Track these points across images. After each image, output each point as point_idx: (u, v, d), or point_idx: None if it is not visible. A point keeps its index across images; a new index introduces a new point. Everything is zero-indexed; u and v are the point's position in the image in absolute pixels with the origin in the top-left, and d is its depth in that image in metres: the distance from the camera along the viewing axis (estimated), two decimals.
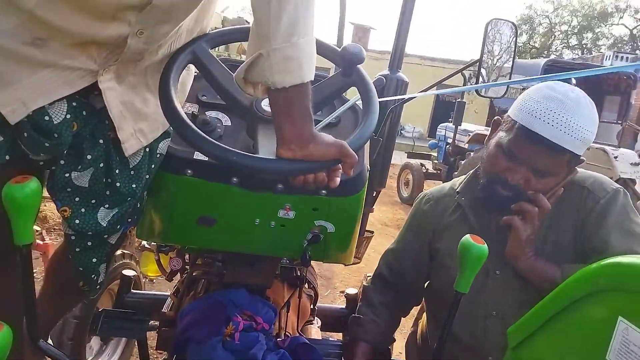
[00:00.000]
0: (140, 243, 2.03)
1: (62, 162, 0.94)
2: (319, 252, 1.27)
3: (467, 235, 0.94)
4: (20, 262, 0.78)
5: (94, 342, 2.04)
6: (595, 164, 5.93)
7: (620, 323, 0.65)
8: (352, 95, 1.13)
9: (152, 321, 1.55)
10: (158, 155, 1.07)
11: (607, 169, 5.73)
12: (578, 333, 0.77)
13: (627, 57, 18.29)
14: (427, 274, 1.47)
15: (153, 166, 1.06)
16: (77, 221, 0.98)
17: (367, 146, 1.33)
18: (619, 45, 26.30)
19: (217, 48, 1.12)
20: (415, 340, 1.67)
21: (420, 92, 1.66)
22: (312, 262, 1.68)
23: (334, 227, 1.22)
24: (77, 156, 0.94)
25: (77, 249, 1.04)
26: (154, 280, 2.41)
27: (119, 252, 1.90)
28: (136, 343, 1.68)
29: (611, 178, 4.78)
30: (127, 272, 1.76)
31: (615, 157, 5.71)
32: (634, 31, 26.18)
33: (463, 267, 0.94)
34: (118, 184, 0.99)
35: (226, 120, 1.18)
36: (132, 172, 1.01)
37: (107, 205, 1.00)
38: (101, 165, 0.97)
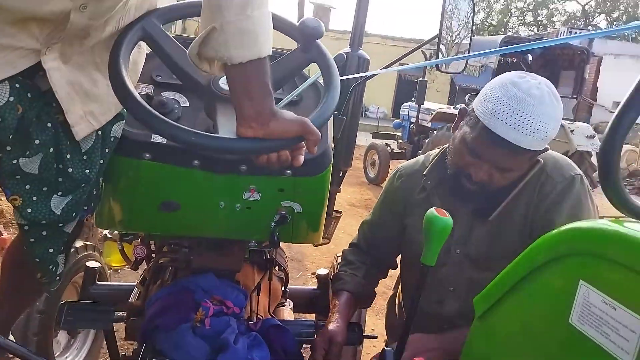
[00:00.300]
0: (102, 233, 1.97)
1: (8, 148, 0.88)
2: (287, 233, 1.26)
3: (432, 209, 0.96)
4: None
5: (61, 337, 1.99)
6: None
7: (582, 286, 0.67)
8: (314, 74, 1.12)
9: (119, 312, 1.52)
10: (112, 139, 1.03)
11: (564, 142, 5.93)
12: (541, 299, 0.79)
13: (580, 32, 18.85)
14: (399, 246, 1.51)
15: (107, 150, 1.02)
16: (29, 210, 0.93)
17: (330, 125, 1.32)
18: (572, 21, 27.05)
19: (173, 30, 1.07)
20: (394, 301, 1.72)
21: (382, 68, 1.66)
22: (282, 245, 1.68)
23: (301, 207, 1.21)
24: (25, 141, 0.89)
25: (32, 239, 0.99)
26: (119, 271, 2.36)
27: (81, 243, 1.85)
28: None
29: (567, 152, 4.92)
30: (91, 264, 1.71)
31: (572, 131, 5.91)
32: (586, 7, 26.97)
33: (428, 240, 0.96)
34: (70, 170, 0.95)
35: (184, 101, 1.14)
36: (84, 157, 0.97)
37: (60, 193, 0.96)
38: (51, 150, 0.92)
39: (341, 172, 1.81)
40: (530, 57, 6.82)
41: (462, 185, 1.26)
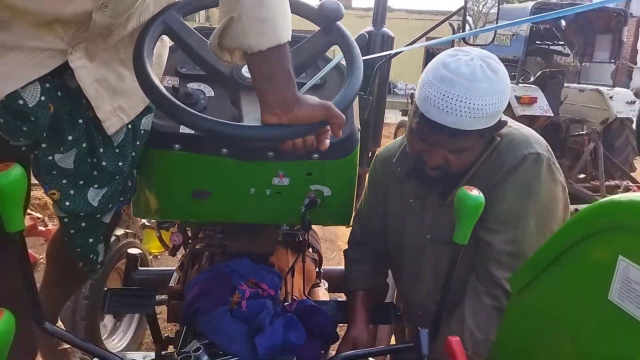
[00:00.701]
0: (141, 221, 2.03)
1: (43, 145, 0.92)
2: (318, 216, 1.27)
3: (463, 187, 0.94)
4: (15, 249, 0.78)
5: (108, 321, 2.09)
6: (590, 105, 5.88)
7: (621, 262, 0.65)
8: (336, 57, 1.11)
9: (161, 296, 1.57)
10: (142, 132, 1.05)
11: (603, 109, 5.68)
12: (579, 275, 0.77)
13: None
14: None
15: (138, 143, 1.05)
16: (67, 203, 0.97)
17: (356, 106, 1.31)
18: None
19: (197, 19, 1.08)
20: None
21: (406, 45, 1.63)
22: (315, 226, 1.69)
23: (330, 190, 1.22)
24: (58, 138, 0.93)
25: (72, 231, 1.03)
26: (159, 257, 2.43)
27: (121, 231, 1.91)
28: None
29: (607, 119, 4.68)
30: (132, 251, 1.78)
31: (611, 97, 5.65)
32: None
33: (460, 218, 0.94)
34: (104, 163, 0.98)
35: (209, 91, 1.16)
36: (117, 150, 1.00)
37: (96, 185, 1.00)
38: (84, 145, 0.95)
39: (370, 153, 1.80)
40: (563, 23, 6.53)
41: (426, 176, 1.20)
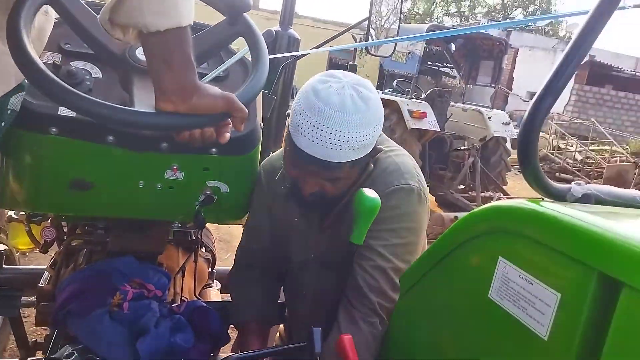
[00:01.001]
0: (7, 214, 1.81)
1: None
2: (213, 213, 1.22)
3: (362, 189, 0.96)
4: None
5: None
6: (472, 124, 6.46)
7: (501, 262, 0.70)
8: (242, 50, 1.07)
9: (28, 298, 1.41)
10: (9, 112, 0.92)
11: (482, 128, 6.28)
12: (462, 275, 0.82)
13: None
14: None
15: (3, 124, 0.91)
16: None
17: (259, 103, 1.28)
18: (492, 13, 28.50)
19: None
20: None
21: (313, 48, 1.64)
22: (209, 226, 1.63)
23: (227, 187, 1.18)
24: None
25: None
26: (27, 254, 2.19)
27: None
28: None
29: (485, 137, 5.14)
30: None
31: (489, 118, 6.26)
32: (505, 1, 28.49)
33: (357, 219, 0.96)
34: None
35: (96, 72, 1.06)
36: None
37: None
38: None
39: (270, 152, 1.78)
40: (453, 47, 7.10)
41: (304, 200, 1.13)
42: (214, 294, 1.64)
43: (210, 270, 1.65)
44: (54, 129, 0.99)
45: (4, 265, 1.59)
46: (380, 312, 1.06)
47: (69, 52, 1.06)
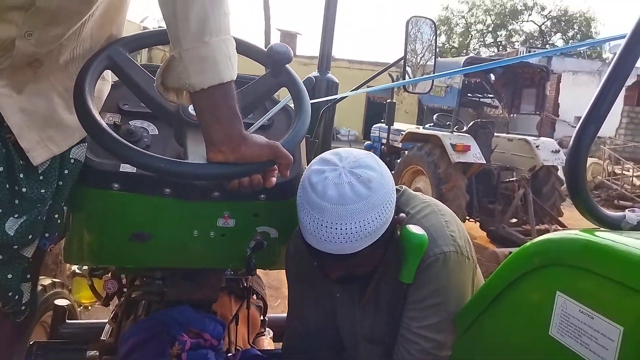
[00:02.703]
0: (71, 269, 1.90)
1: None
2: (264, 259, 1.24)
3: (407, 225, 0.96)
4: None
5: None
6: (519, 154, 6.28)
7: (559, 297, 0.68)
8: (284, 98, 1.12)
9: (92, 351, 1.45)
10: (72, 161, 1.00)
11: (530, 157, 6.08)
12: (520, 311, 0.80)
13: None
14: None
15: (66, 172, 0.99)
16: None
17: (303, 148, 1.32)
18: (531, 40, 28.16)
19: (139, 59, 1.07)
20: None
21: (351, 90, 1.68)
22: (260, 273, 1.65)
23: (277, 232, 1.20)
24: None
25: None
26: (90, 308, 2.27)
27: (48, 281, 1.77)
28: None
29: (534, 167, 4.97)
30: (60, 302, 1.65)
31: (537, 147, 6.07)
32: (542, 27, 28.16)
33: (406, 257, 0.95)
34: (24, 190, 0.92)
35: (152, 129, 1.13)
36: (40, 177, 0.95)
37: (16, 215, 0.93)
38: (1, 169, 0.89)
39: None
40: (492, 77, 7.04)
41: (335, 281, 1.06)
42: (267, 342, 1.64)
43: (262, 317, 1.65)
44: (116, 185, 1.05)
45: (67, 320, 1.65)
46: None
47: (128, 112, 1.15)
